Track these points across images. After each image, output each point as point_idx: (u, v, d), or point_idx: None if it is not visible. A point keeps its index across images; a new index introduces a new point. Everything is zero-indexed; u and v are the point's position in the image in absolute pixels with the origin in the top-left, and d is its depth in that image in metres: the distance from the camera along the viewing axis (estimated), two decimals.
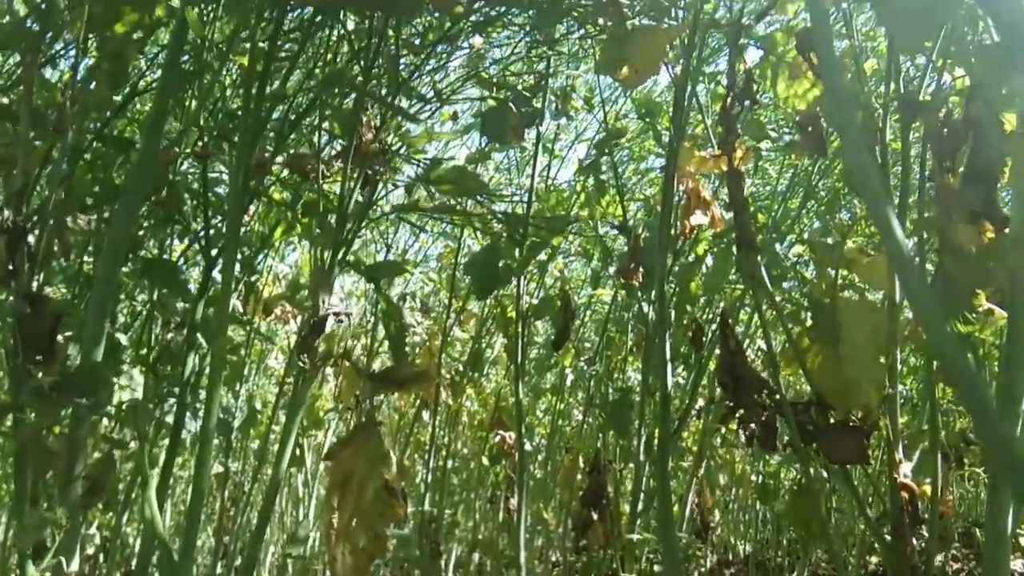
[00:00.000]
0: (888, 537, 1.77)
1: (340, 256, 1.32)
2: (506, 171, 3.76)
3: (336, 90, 1.30)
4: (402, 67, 1.85)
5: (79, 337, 1.20)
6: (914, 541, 1.72)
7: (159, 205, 1.40)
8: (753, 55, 2.40)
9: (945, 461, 1.78)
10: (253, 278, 2.86)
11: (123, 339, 2.21)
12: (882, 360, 1.91)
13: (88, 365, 1.13)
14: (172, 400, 1.89)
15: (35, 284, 1.11)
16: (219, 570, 3.56)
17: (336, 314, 1.29)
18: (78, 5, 1.31)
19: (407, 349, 3.81)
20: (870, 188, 0.70)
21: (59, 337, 1.11)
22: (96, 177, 1.27)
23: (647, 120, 2.99)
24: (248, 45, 1.21)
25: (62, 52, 1.62)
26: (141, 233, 1.62)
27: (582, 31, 2.18)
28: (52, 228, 1.14)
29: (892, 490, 1.77)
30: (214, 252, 1.74)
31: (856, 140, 0.46)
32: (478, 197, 1.54)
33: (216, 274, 1.70)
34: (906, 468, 1.78)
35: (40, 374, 1.06)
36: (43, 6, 1.41)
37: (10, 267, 1.06)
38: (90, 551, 3.11)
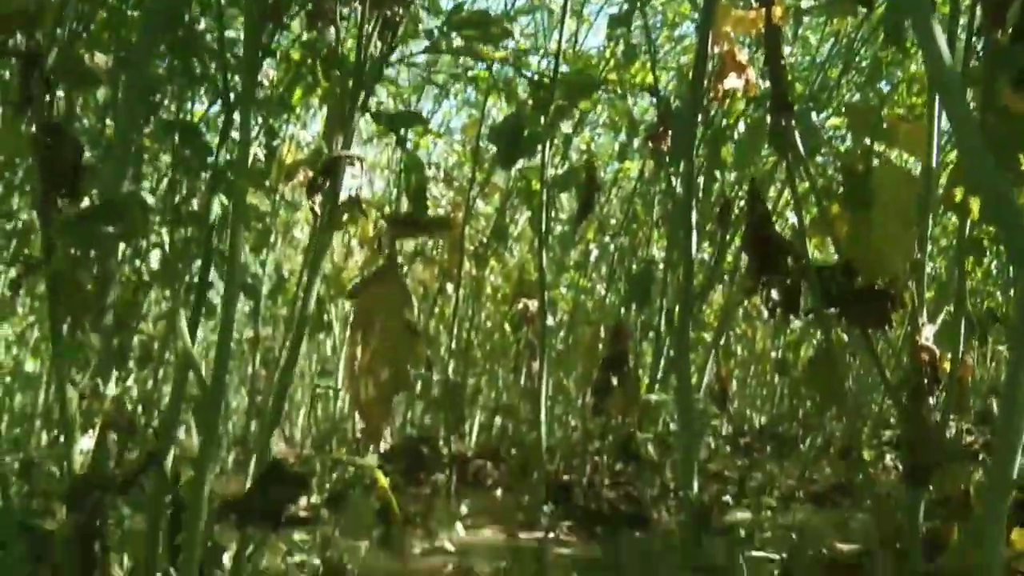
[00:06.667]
0: (905, 400, 1.79)
1: (359, 102, 1.30)
2: (532, 37, 3.63)
3: None
4: None
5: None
6: (931, 402, 1.74)
7: (175, 50, 1.36)
8: None
9: (969, 327, 1.77)
10: (275, 143, 2.83)
11: (150, 199, 2.24)
12: (913, 229, 1.88)
13: (114, 194, 1.14)
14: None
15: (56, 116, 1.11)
16: (253, 427, 3.75)
17: (350, 157, 1.28)
18: None
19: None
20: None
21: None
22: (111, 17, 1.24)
23: None
24: None
25: None
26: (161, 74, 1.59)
27: None
28: (69, 58, 1.12)
29: (913, 353, 1.78)
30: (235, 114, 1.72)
31: None
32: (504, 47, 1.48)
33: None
34: (928, 332, 1.77)
35: (67, 206, 1.07)
36: None
37: (27, 94, 1.05)
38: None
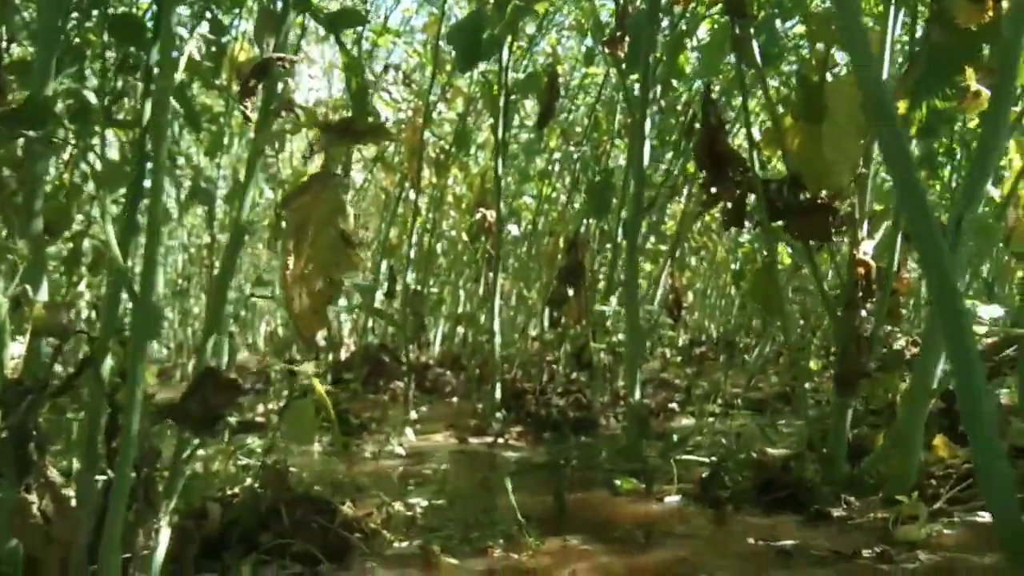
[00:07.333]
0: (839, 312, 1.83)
1: None
2: None
3: None
4: None
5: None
6: (864, 313, 1.78)
7: None
8: None
9: (906, 242, 1.80)
10: (224, 40, 2.71)
11: (92, 98, 2.16)
12: (861, 141, 1.88)
13: (36, 96, 1.09)
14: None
15: None
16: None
17: (280, 59, 1.23)
18: None
19: (391, 128, 3.72)
20: None
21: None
22: None
23: None
24: None
25: None
26: None
27: None
28: None
29: (850, 265, 1.81)
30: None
31: None
32: None
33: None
34: (867, 246, 1.80)
35: None
36: None
37: None
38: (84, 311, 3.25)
